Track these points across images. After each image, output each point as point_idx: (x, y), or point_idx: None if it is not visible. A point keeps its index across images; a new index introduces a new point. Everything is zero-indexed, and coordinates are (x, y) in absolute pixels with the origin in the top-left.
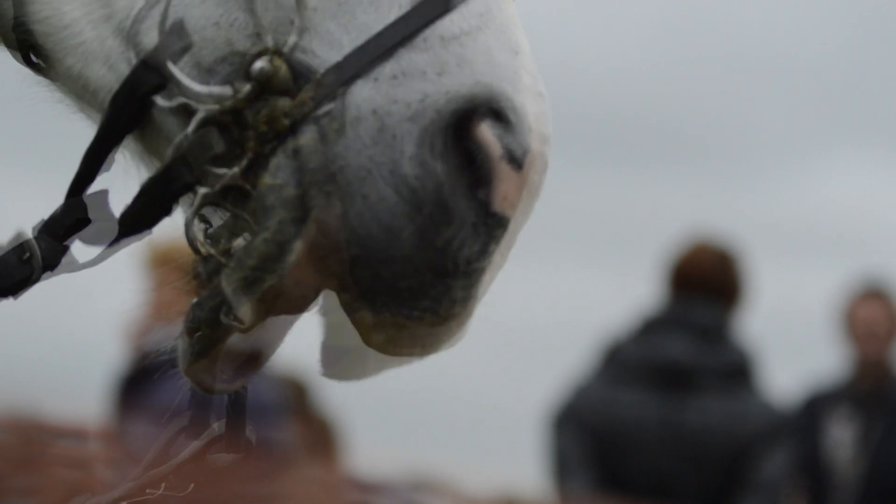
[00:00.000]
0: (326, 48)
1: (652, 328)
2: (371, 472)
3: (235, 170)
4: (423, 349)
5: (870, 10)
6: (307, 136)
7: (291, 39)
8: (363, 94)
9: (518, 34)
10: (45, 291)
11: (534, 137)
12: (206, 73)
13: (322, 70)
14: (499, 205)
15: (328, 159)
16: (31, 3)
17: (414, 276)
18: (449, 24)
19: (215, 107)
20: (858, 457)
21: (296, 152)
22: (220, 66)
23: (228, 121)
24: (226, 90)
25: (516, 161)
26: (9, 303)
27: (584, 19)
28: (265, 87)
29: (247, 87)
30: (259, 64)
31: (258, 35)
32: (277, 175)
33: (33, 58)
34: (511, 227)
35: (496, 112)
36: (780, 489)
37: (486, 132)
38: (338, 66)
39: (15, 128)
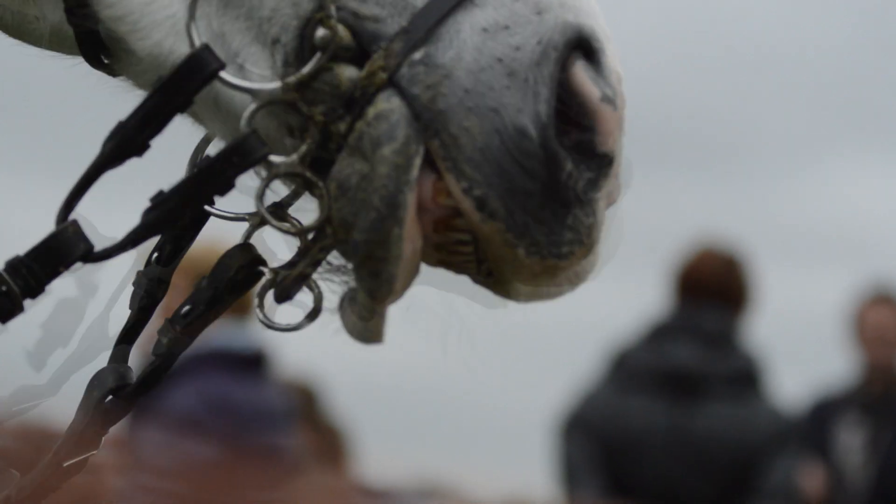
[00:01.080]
0: (393, 10)
1: (659, 334)
2: (379, 478)
3: (295, 157)
4: (572, 284)
5: (876, 13)
6: (413, 86)
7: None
8: (475, 42)
9: None
10: (54, 295)
11: (616, 79)
12: (272, 44)
13: (400, 26)
14: (606, 144)
15: (448, 100)
16: None
17: (547, 208)
18: None
19: (278, 87)
20: (867, 462)
21: (404, 95)
22: (284, 35)
23: (295, 98)
24: (273, 85)
25: (612, 102)
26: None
27: None
28: (332, 54)
29: (315, 59)
30: (320, 31)
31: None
32: (390, 101)
33: (103, 58)
34: (616, 161)
35: (591, 51)
36: (789, 495)
37: (582, 75)
38: (421, 14)
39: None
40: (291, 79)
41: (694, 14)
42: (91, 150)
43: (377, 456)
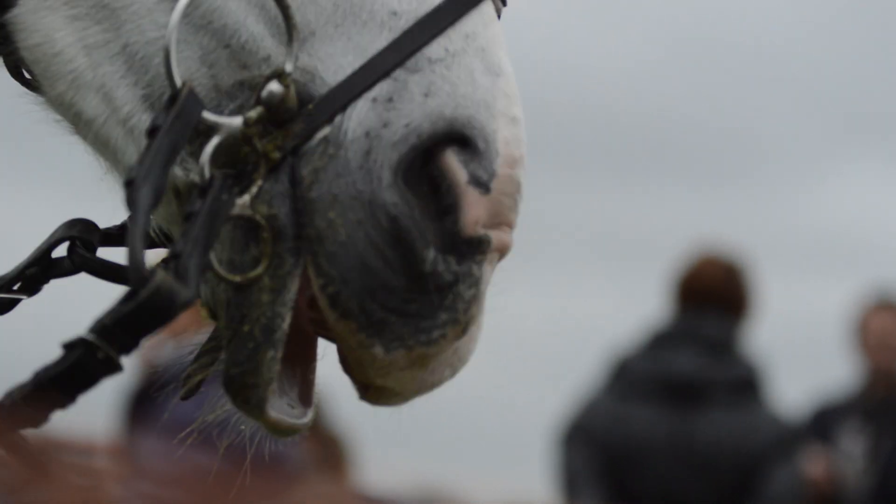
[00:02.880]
0: (330, 71)
1: (660, 342)
2: (380, 486)
3: (246, 198)
4: (451, 370)
5: (881, 20)
6: (305, 166)
7: (294, 62)
8: (360, 114)
9: (501, 55)
10: (54, 306)
11: (501, 161)
12: (224, 96)
13: (320, 94)
14: (470, 228)
15: (321, 188)
16: (21, 31)
17: (414, 301)
18: (436, 45)
19: (231, 131)
20: (869, 468)
21: (293, 182)
22: (237, 90)
23: (241, 148)
24: (235, 120)
25: (483, 185)
26: (15, 314)
27: (591, 30)
28: (274, 111)
29: (257, 111)
30: (271, 87)
31: (268, 59)
32: (273, 204)
33: (26, 75)
34: (488, 245)
35: (466, 139)
36: (791, 501)
37: (451, 158)
38: (334, 92)
39: (17, 143)
40: (252, 114)
41: (697, 22)
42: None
43: (378, 463)
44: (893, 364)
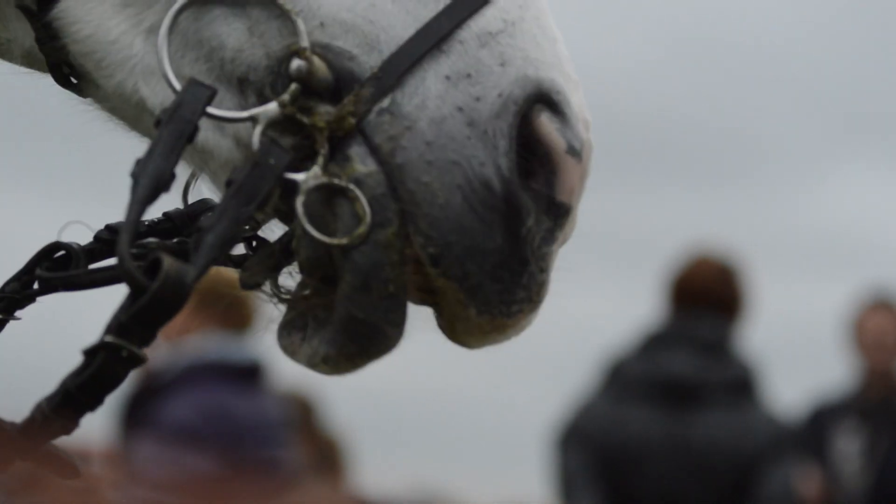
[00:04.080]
0: (366, 47)
1: (655, 344)
2: (377, 489)
3: (316, 169)
4: (514, 336)
5: (881, 20)
6: (378, 135)
7: (323, 37)
8: (438, 91)
9: (552, 21)
10: (50, 310)
11: (582, 127)
12: (239, 84)
13: (371, 67)
14: (566, 196)
15: (407, 154)
16: (71, 23)
17: (505, 267)
18: (490, 17)
19: (274, 113)
20: (865, 469)
21: (372, 150)
22: (253, 73)
23: (293, 111)
24: (270, 106)
25: (577, 153)
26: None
27: (589, 30)
28: (308, 86)
29: (290, 91)
30: (296, 63)
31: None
32: (366, 163)
33: (72, 79)
34: (573, 213)
35: (553, 102)
36: (787, 502)
37: (548, 126)
38: (392, 59)
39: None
40: (286, 95)
41: (697, 22)
42: (81, 164)
43: (374, 466)
44: (890, 364)
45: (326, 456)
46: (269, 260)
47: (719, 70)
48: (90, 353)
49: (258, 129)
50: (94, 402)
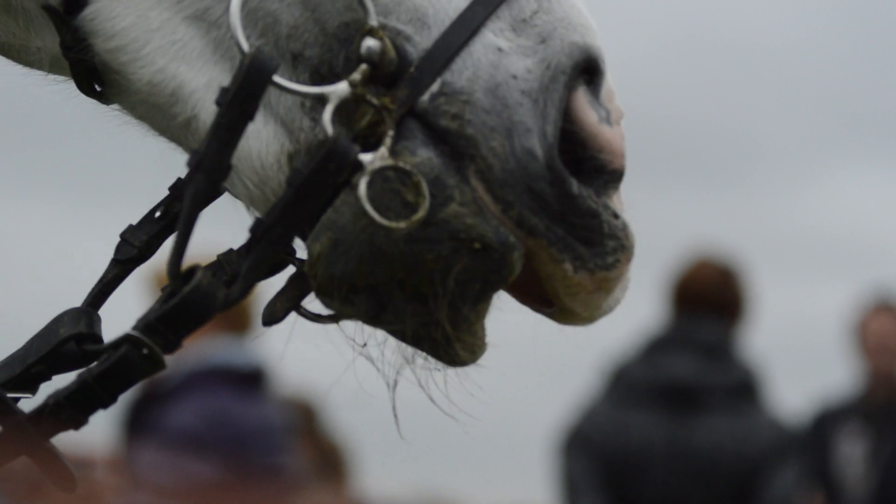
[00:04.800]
0: (418, 24)
1: (657, 348)
2: (379, 494)
3: (383, 150)
4: (623, 295)
5: (880, 23)
6: (441, 116)
7: (376, 18)
8: (490, 59)
9: None
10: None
11: (610, 96)
12: (333, 39)
13: (424, 49)
14: (617, 162)
15: (475, 126)
16: (106, 21)
17: (586, 215)
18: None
19: (345, 93)
20: (869, 472)
21: (436, 133)
22: (344, 32)
23: (364, 92)
24: (341, 86)
25: (609, 122)
26: (17, 332)
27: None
28: (379, 67)
29: (361, 71)
30: (368, 43)
31: (349, 14)
32: (417, 152)
33: (96, 87)
34: (623, 176)
35: (592, 71)
36: None
37: (584, 102)
38: (439, 43)
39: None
40: (356, 75)
41: (697, 23)
42: (88, 170)
43: (377, 472)
44: (893, 367)
45: (329, 461)
46: (292, 292)
47: (720, 72)
48: (113, 347)
49: (329, 108)
50: (107, 397)
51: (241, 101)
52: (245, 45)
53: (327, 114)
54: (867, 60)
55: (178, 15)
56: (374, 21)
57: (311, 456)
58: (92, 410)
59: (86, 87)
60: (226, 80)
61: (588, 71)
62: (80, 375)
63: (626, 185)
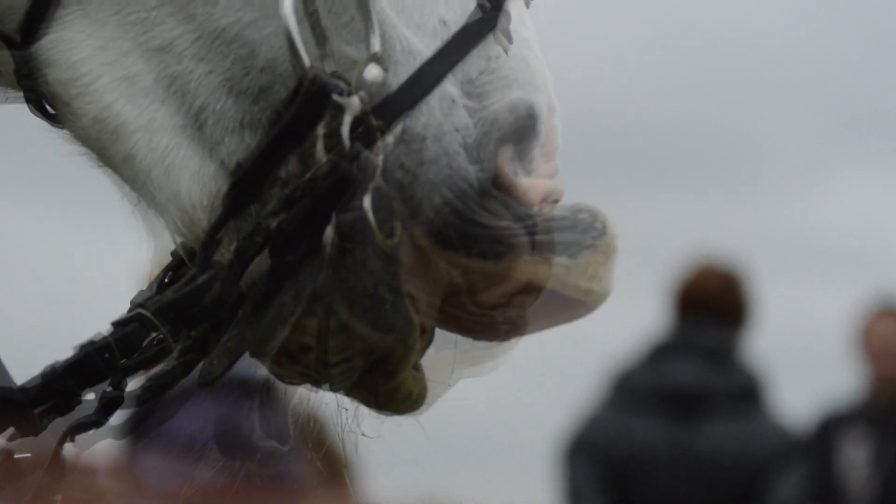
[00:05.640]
0: (404, 59)
1: (660, 353)
2: (384, 501)
3: (378, 172)
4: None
5: (882, 25)
6: (396, 156)
7: (372, 49)
8: (439, 112)
9: (538, 46)
10: (52, 320)
11: (552, 149)
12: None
13: (397, 82)
14: (533, 208)
15: (420, 188)
16: (63, 52)
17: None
18: (491, 45)
19: (356, 110)
20: (872, 476)
21: (387, 180)
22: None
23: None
24: (354, 100)
25: (530, 173)
26: (17, 333)
27: (591, 34)
28: (371, 94)
29: (362, 93)
30: (372, 70)
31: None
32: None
33: (48, 108)
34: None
35: (532, 131)
36: None
37: (509, 165)
38: (409, 82)
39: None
40: (363, 93)
41: (698, 27)
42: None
43: (382, 480)
44: None
45: (332, 468)
46: (231, 345)
47: (722, 75)
48: (121, 324)
49: (347, 120)
50: (106, 370)
51: (296, 121)
52: (307, 62)
53: (346, 124)
54: (870, 62)
55: (140, 47)
56: (377, 47)
57: (316, 464)
58: (88, 384)
59: (38, 110)
60: (170, 120)
61: (522, 130)
62: (81, 346)
63: (626, 188)
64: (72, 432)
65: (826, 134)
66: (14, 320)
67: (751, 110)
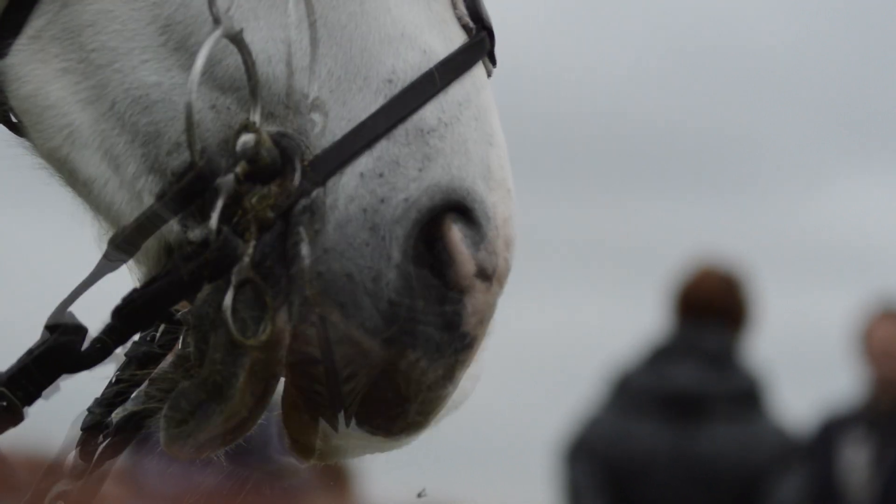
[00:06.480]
0: (323, 135)
1: (661, 356)
2: (384, 502)
3: (246, 261)
4: (377, 451)
5: (883, 29)
6: (296, 234)
7: (259, 112)
8: (350, 189)
9: (494, 123)
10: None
11: (500, 245)
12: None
13: (308, 157)
14: (470, 325)
15: (313, 261)
16: (13, 80)
17: (376, 396)
18: (428, 114)
19: (229, 190)
20: (873, 479)
21: (285, 245)
22: (222, 149)
23: (235, 209)
24: (228, 178)
25: (487, 277)
26: (17, 333)
27: (591, 35)
28: (255, 164)
29: (241, 166)
30: (244, 138)
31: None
32: (275, 268)
33: (12, 117)
34: (477, 343)
35: (466, 209)
36: None
37: (458, 241)
38: (322, 156)
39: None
40: (238, 169)
41: (699, 31)
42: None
43: (381, 480)
44: None
45: (333, 470)
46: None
47: (723, 79)
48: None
49: (220, 203)
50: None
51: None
52: (197, 146)
53: (217, 208)
54: (872, 67)
55: (73, 96)
56: (255, 117)
57: (316, 465)
58: (28, 395)
59: (4, 120)
60: (117, 182)
61: (462, 213)
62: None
63: (627, 191)
64: (86, 435)
65: (827, 137)
66: (14, 320)
67: (752, 113)
